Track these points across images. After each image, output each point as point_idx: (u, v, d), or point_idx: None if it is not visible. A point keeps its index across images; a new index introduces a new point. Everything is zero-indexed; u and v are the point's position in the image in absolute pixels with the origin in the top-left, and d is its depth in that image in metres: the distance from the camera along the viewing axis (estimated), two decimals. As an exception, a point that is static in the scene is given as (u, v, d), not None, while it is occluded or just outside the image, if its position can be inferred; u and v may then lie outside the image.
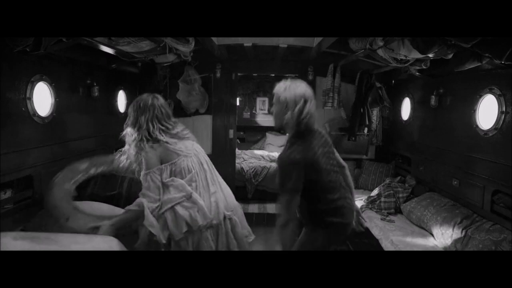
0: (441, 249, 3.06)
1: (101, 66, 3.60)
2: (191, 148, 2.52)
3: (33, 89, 2.67)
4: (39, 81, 2.74)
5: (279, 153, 2.32)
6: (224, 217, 2.51)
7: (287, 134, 2.38)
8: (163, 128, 2.41)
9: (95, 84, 3.51)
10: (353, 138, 4.94)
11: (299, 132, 2.26)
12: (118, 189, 3.38)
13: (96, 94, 3.52)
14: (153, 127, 2.37)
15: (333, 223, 2.32)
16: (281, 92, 2.26)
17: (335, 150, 2.48)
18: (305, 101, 2.21)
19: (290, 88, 2.24)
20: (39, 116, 2.74)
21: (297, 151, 2.19)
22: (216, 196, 2.49)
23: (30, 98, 2.63)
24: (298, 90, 2.23)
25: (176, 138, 2.46)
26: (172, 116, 2.52)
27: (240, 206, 2.75)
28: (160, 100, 2.47)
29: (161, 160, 2.38)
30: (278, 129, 2.38)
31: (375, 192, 4.31)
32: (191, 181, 2.43)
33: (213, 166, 2.63)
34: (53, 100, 2.91)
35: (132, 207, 2.33)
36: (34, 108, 2.68)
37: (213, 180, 2.56)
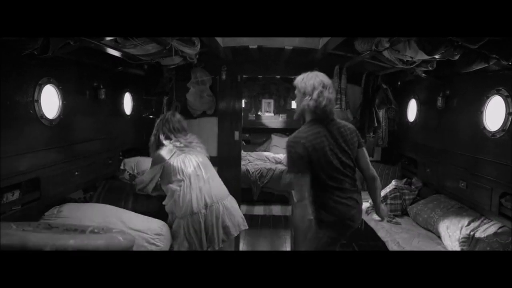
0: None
1: (107, 68, 3.63)
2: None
3: (41, 91, 2.69)
4: (47, 84, 2.77)
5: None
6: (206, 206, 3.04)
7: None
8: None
9: (101, 86, 3.53)
10: (363, 140, 4.92)
11: (315, 118, 2.43)
12: (125, 192, 3.41)
13: (103, 96, 3.54)
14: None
15: (329, 220, 2.40)
16: (299, 82, 2.48)
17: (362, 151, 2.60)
18: (323, 88, 2.41)
19: (308, 78, 2.46)
20: (46, 119, 2.76)
21: (302, 133, 2.38)
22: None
23: (38, 101, 2.65)
24: (315, 79, 2.44)
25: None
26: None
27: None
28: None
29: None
30: (298, 119, 2.65)
31: (381, 194, 4.29)
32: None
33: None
34: (61, 102, 2.94)
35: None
36: (42, 111, 2.71)
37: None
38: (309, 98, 2.39)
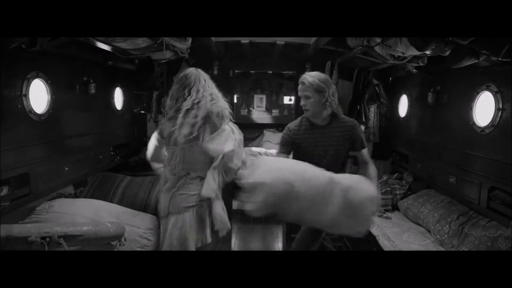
0: (438, 245, 3.08)
1: (97, 63, 3.58)
2: None
3: (29, 86, 2.65)
4: (35, 78, 2.72)
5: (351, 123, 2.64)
6: None
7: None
8: None
9: (91, 81, 3.49)
10: None
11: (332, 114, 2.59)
12: (115, 188, 3.38)
13: (93, 91, 3.50)
14: None
15: None
16: (317, 82, 2.49)
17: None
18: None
19: (321, 77, 2.53)
20: (35, 113, 2.73)
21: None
22: None
23: (26, 95, 2.62)
24: (327, 77, 2.58)
25: None
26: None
27: None
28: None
29: None
30: (312, 116, 2.58)
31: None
32: None
33: None
34: (50, 97, 2.90)
35: None
36: (30, 105, 2.67)
37: None
38: (331, 97, 2.52)
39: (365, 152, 2.65)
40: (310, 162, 2.38)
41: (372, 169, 2.58)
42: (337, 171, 2.42)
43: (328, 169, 2.39)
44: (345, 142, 2.59)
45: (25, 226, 1.87)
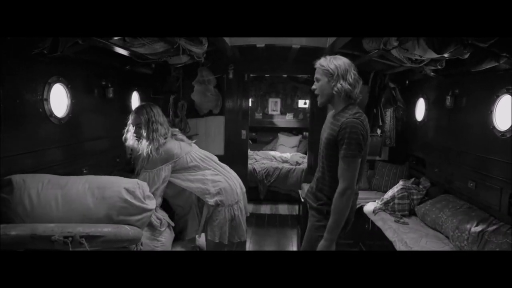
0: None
1: (115, 67, 3.65)
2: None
3: (50, 90, 2.71)
4: (56, 83, 2.79)
5: (345, 119, 2.22)
6: None
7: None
8: None
9: (109, 85, 3.55)
10: None
11: (352, 103, 2.31)
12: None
13: (111, 95, 3.56)
14: None
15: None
16: (328, 63, 2.27)
17: None
18: (354, 70, 2.30)
19: (337, 59, 2.29)
20: (55, 117, 2.79)
21: (365, 120, 2.25)
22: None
23: (47, 99, 2.68)
24: (345, 60, 2.30)
25: None
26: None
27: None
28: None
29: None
30: (323, 104, 2.42)
31: (388, 194, 4.26)
32: None
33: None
34: (69, 101, 2.96)
35: None
36: (51, 109, 2.73)
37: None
38: (343, 81, 2.25)
39: (342, 164, 2.19)
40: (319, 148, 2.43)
41: (337, 196, 2.19)
42: (324, 167, 2.35)
43: (320, 161, 2.40)
44: (331, 138, 2.27)
45: (48, 226, 1.92)
